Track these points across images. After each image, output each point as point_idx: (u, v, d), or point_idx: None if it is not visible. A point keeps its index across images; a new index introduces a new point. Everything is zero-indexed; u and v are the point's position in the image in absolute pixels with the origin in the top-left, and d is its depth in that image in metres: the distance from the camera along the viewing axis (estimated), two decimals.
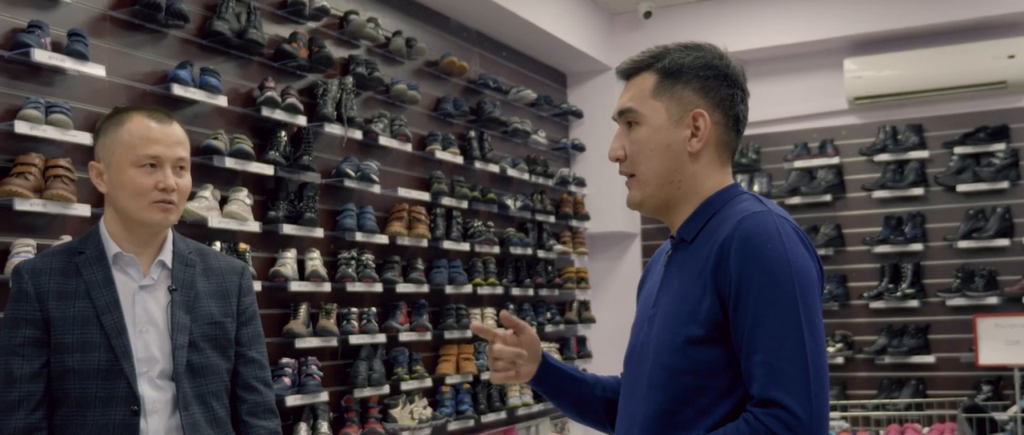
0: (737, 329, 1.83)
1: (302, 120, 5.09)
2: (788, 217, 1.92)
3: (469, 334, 6.41)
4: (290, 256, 5.02)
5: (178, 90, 4.43)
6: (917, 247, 7.51)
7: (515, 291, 6.99)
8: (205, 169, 4.60)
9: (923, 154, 7.56)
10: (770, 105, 8.01)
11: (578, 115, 8.18)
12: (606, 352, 7.93)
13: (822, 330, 1.84)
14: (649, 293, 2.08)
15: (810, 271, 1.84)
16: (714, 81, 1.96)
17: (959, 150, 7.47)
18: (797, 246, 1.85)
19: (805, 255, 1.86)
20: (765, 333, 1.79)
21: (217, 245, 4.54)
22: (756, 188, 7.99)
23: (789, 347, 1.78)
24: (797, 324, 1.79)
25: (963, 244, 7.36)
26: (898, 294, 7.49)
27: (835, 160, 7.78)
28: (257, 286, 4.74)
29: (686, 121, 1.96)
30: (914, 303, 7.46)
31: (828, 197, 7.78)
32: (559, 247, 7.54)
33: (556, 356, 7.19)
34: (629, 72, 2.03)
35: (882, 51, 7.73)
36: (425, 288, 6.00)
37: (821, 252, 7.70)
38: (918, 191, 7.54)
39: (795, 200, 7.85)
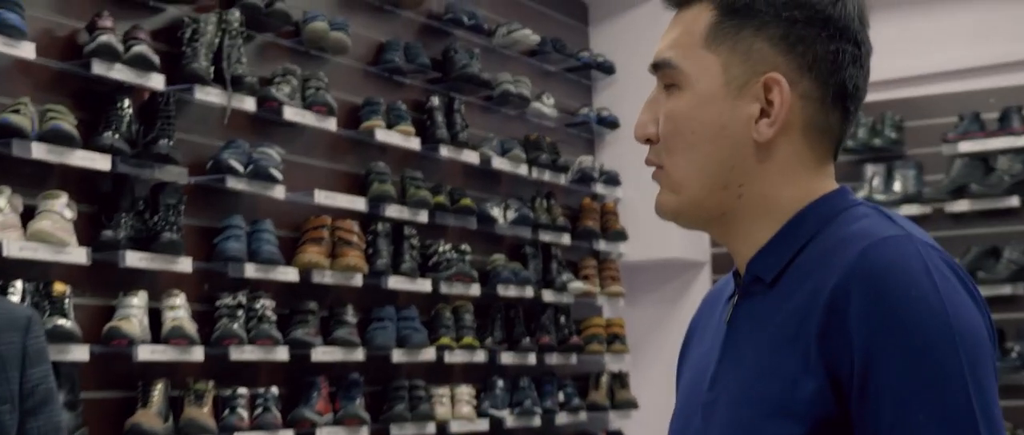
0: (867, 430, 1.82)
1: (158, 81, 5.08)
2: (936, 245, 1.91)
3: (431, 429, 6.41)
4: (137, 304, 4.99)
5: None
6: None
7: (506, 358, 6.99)
8: None
9: None
10: (919, 52, 8.02)
11: (607, 69, 8.19)
12: None
13: (1002, 426, 1.83)
14: (702, 364, 2.06)
15: (980, 331, 1.83)
16: (806, 27, 1.94)
17: None
18: (957, 291, 1.83)
19: (970, 305, 1.84)
20: None
21: (17, 286, 4.53)
22: (898, 186, 8.00)
23: None
24: (970, 424, 1.78)
25: None
26: None
27: None
28: (81, 352, 4.70)
29: (754, 89, 1.94)
30: None
31: (1015, 200, 7.78)
32: (578, 285, 7.55)
33: None
34: None
35: None
36: (359, 354, 6.00)
37: (1004, 291, 7.71)
38: None
39: (961, 205, 7.86)
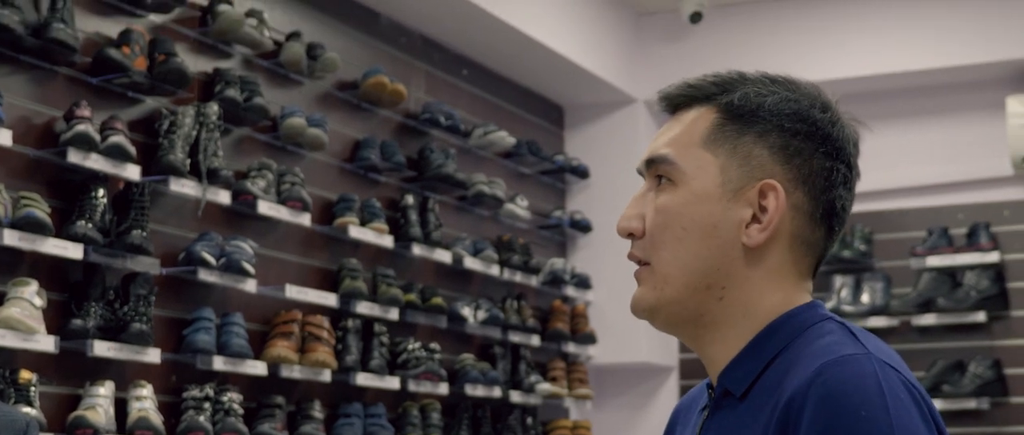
0: None
1: (134, 171, 5.07)
2: (897, 364, 1.90)
3: None
4: (104, 394, 4.94)
5: None
6: None
7: None
8: None
9: None
10: (889, 168, 8.06)
11: (581, 173, 8.21)
12: None
13: None
14: None
15: None
16: (806, 141, 1.95)
17: None
18: (910, 414, 1.82)
19: (921, 429, 1.84)
20: None
21: None
22: (866, 298, 8.01)
23: None
24: None
25: None
26: None
27: (993, 256, 7.83)
28: None
29: (748, 194, 1.94)
30: None
31: (981, 316, 7.80)
32: (546, 387, 7.52)
33: None
34: (678, 100, 2.03)
35: None
36: None
37: (969, 405, 7.70)
38: None
39: (928, 319, 7.87)
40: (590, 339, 7.98)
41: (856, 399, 1.81)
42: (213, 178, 5.45)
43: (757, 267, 1.96)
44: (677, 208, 1.96)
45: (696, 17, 7.98)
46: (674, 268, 1.96)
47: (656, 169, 1.99)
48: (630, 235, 1.99)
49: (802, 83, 2.00)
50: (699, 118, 1.99)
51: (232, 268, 5.47)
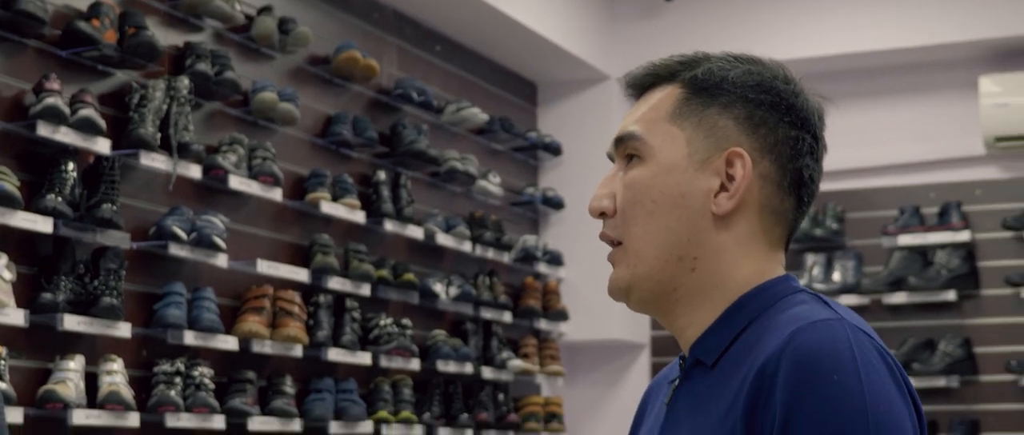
0: None
1: (104, 145, 5.06)
2: (870, 331, 1.92)
3: None
4: (74, 368, 4.94)
5: None
6: None
7: (444, 433, 6.96)
8: None
9: None
10: (861, 146, 8.09)
11: (554, 150, 8.22)
12: None
13: None
14: None
15: (901, 420, 1.84)
16: (770, 111, 1.98)
17: None
18: (882, 378, 1.84)
19: (894, 393, 1.85)
20: None
21: None
22: (837, 276, 8.04)
23: None
24: None
25: None
26: None
27: (964, 235, 7.87)
28: (15, 415, 4.65)
29: (715, 164, 1.97)
30: None
31: (951, 294, 7.85)
32: (517, 363, 7.53)
33: None
34: (644, 82, 2.07)
35: None
36: (297, 425, 5.95)
37: (939, 383, 7.75)
38: None
39: (899, 297, 7.91)
40: (562, 316, 8.00)
41: (829, 363, 1.83)
42: (184, 152, 5.43)
43: (727, 236, 1.99)
44: (646, 182, 1.99)
45: None
46: (645, 243, 1.98)
47: (625, 147, 2.03)
48: (602, 215, 2.02)
49: (766, 59, 2.05)
50: (665, 96, 2.03)
51: (203, 243, 5.47)
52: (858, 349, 1.85)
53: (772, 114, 1.99)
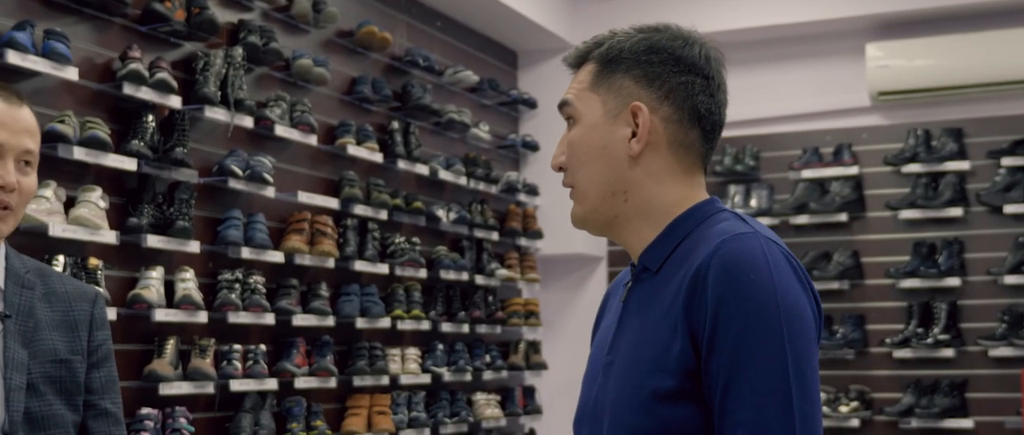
0: (711, 381, 1.86)
1: (176, 101, 5.06)
2: (779, 241, 1.96)
3: (385, 381, 6.40)
4: (155, 276, 4.98)
5: (14, 58, 4.39)
6: (954, 282, 7.62)
7: (445, 327, 6.99)
8: (47, 161, 4.52)
9: (963, 165, 7.68)
10: (773, 99, 8.09)
11: (531, 104, 8.21)
12: (560, 407, 7.94)
13: (816, 385, 1.86)
14: (604, 335, 2.11)
15: (803, 309, 1.88)
16: (660, 67, 2.02)
17: (1007, 162, 7.58)
18: (788, 277, 1.89)
19: (797, 289, 1.89)
20: (744, 388, 1.82)
21: (60, 260, 4.51)
22: (754, 203, 8.06)
23: (773, 407, 1.81)
24: (784, 377, 1.82)
25: (1010, 279, 7.47)
26: (929, 341, 7.58)
27: (853, 170, 7.88)
28: (111, 314, 4.69)
29: (624, 116, 2.03)
30: (949, 352, 7.56)
31: (843, 216, 7.87)
32: (503, 272, 7.56)
33: (497, 410, 7.21)
34: (575, 62, 2.13)
35: (915, 35, 7.85)
36: (330, 321, 5.99)
37: (833, 286, 7.80)
38: (956, 211, 7.65)
39: (802, 219, 7.94)
40: (538, 235, 8.02)
41: (747, 266, 1.88)
42: (239, 107, 5.44)
43: (645, 170, 2.04)
44: (579, 138, 2.06)
45: None
46: (587, 185, 2.05)
47: (564, 112, 2.11)
48: (560, 168, 2.09)
49: (666, 25, 2.09)
50: (586, 71, 2.09)
51: (255, 178, 5.48)
52: (770, 255, 1.90)
53: (664, 68, 2.03)
